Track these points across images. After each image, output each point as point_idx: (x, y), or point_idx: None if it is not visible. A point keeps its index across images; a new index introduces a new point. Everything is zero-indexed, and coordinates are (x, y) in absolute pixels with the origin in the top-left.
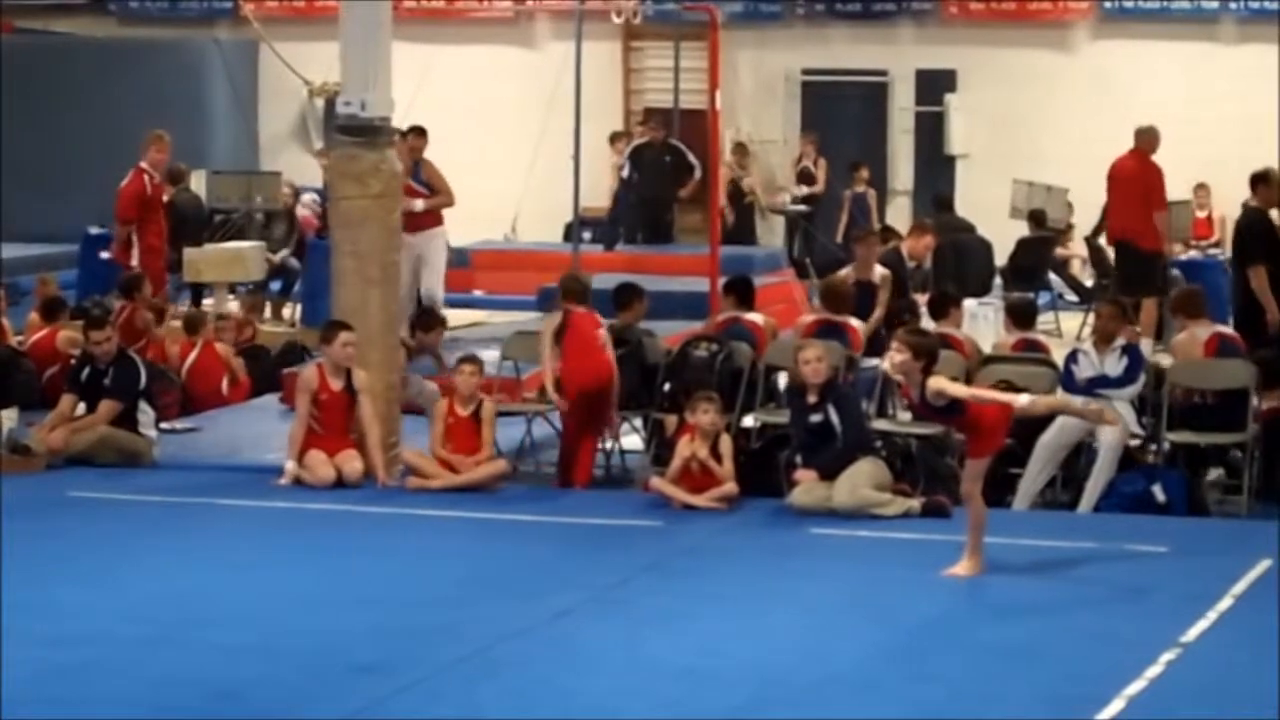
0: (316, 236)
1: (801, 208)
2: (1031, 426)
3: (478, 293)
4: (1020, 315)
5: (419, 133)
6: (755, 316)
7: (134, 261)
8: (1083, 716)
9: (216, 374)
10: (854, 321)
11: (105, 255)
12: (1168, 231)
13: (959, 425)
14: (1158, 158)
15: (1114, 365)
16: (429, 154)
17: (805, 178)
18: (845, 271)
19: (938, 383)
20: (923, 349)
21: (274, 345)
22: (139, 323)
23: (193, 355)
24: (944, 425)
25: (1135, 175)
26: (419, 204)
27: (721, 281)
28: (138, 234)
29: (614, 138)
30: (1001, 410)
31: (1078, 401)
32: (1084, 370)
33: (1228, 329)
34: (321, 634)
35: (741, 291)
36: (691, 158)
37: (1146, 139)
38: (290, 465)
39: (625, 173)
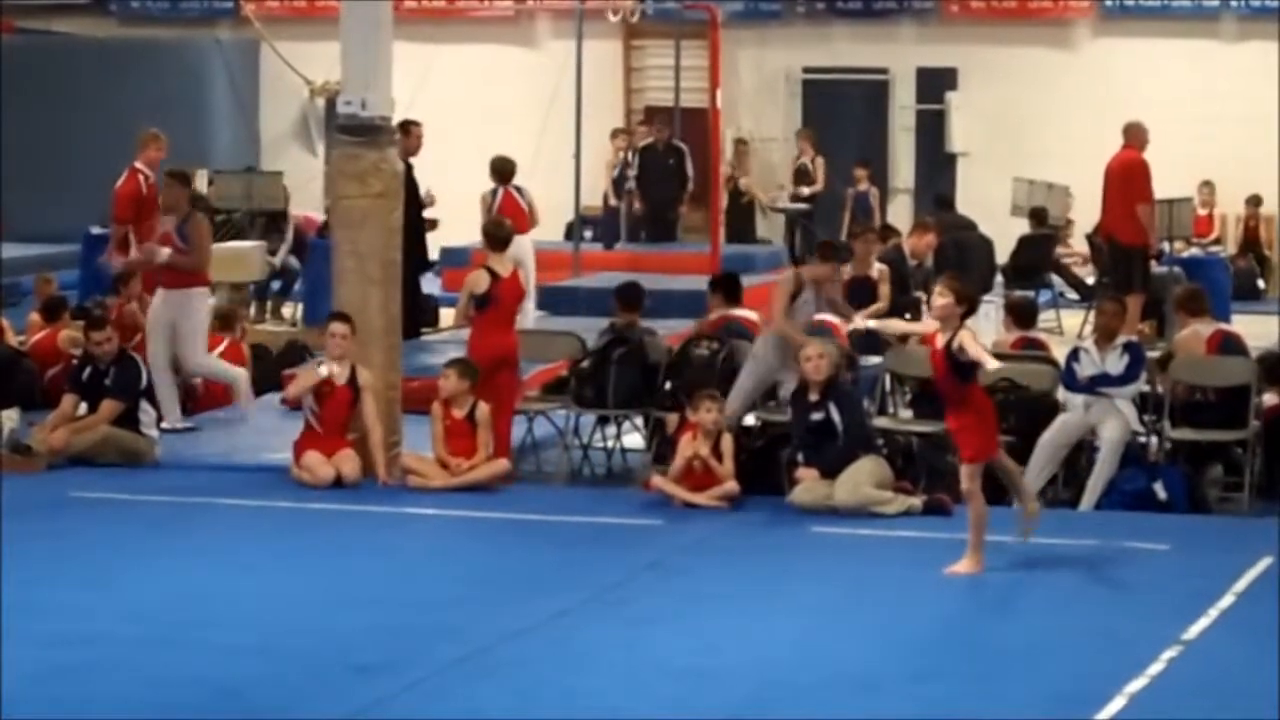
0: (317, 236)
1: (802, 206)
2: (1033, 425)
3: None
4: (1020, 314)
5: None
6: (747, 313)
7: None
8: (1084, 714)
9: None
10: (834, 318)
11: (101, 259)
12: (1153, 225)
13: (955, 421)
14: (1158, 154)
15: (1115, 363)
16: (429, 153)
17: (802, 175)
18: (844, 268)
19: (967, 337)
20: (964, 295)
21: (275, 345)
22: (126, 318)
23: (220, 348)
24: (951, 393)
25: (1119, 171)
26: (164, 254)
27: (707, 280)
28: (134, 234)
29: (614, 134)
30: (987, 420)
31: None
32: (1085, 368)
33: (1230, 326)
34: (322, 634)
35: (729, 288)
36: (689, 166)
37: (1133, 134)
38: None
39: (617, 172)
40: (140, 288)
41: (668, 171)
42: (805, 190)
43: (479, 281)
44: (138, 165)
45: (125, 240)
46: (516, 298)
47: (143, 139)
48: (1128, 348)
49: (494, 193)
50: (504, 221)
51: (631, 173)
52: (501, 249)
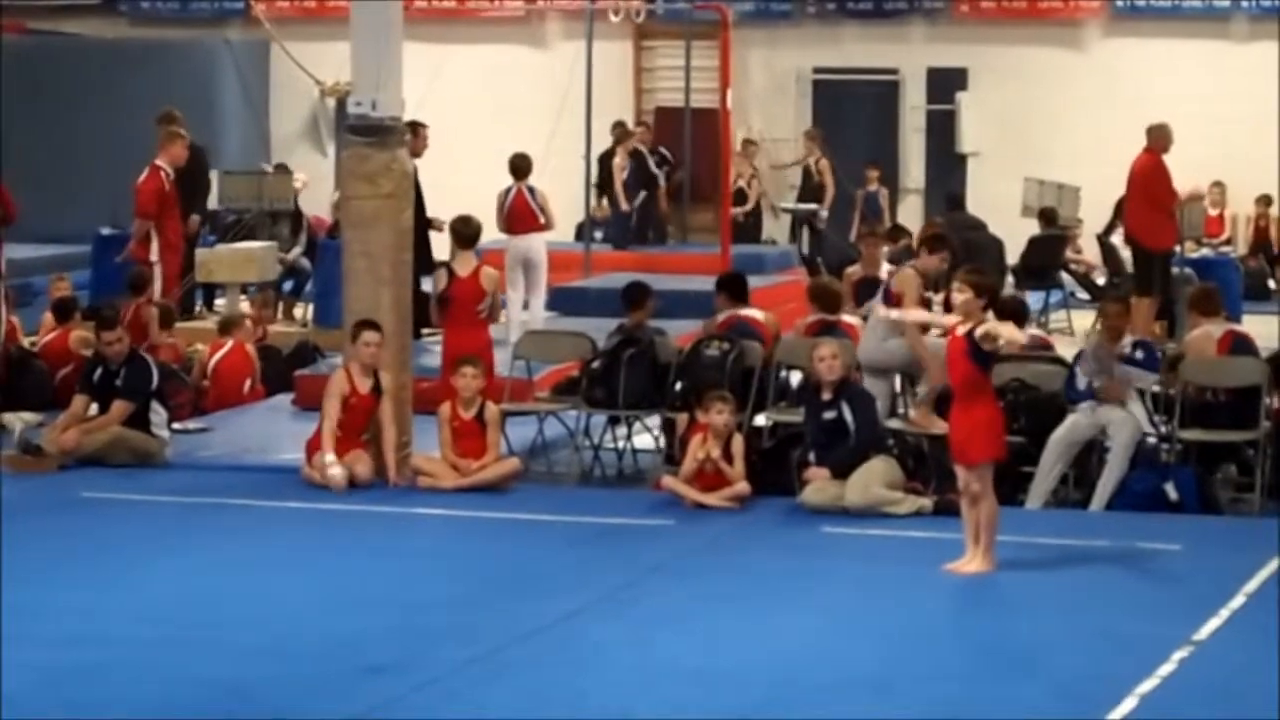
0: (328, 236)
1: (812, 206)
2: (1042, 425)
3: None
4: (1013, 315)
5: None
6: (755, 313)
7: (154, 257)
8: (1095, 714)
9: (243, 374)
10: (852, 319)
11: (120, 258)
12: (1180, 228)
13: (965, 417)
14: (1169, 154)
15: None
16: (439, 153)
17: (806, 176)
18: (853, 269)
19: (992, 328)
20: (983, 287)
21: (286, 345)
22: (144, 318)
23: (222, 352)
24: (968, 383)
25: (1140, 174)
26: None
27: (715, 280)
28: (156, 231)
29: (620, 138)
30: (998, 419)
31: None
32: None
33: (1241, 327)
34: (332, 634)
35: (734, 288)
36: (650, 165)
37: (1156, 137)
38: (337, 471)
39: (626, 174)
40: (165, 290)
41: (634, 176)
42: (793, 200)
43: (438, 280)
44: (159, 162)
45: (148, 236)
46: (474, 298)
47: (168, 135)
48: (1139, 346)
49: (507, 191)
50: (471, 219)
51: (624, 176)
52: (465, 246)
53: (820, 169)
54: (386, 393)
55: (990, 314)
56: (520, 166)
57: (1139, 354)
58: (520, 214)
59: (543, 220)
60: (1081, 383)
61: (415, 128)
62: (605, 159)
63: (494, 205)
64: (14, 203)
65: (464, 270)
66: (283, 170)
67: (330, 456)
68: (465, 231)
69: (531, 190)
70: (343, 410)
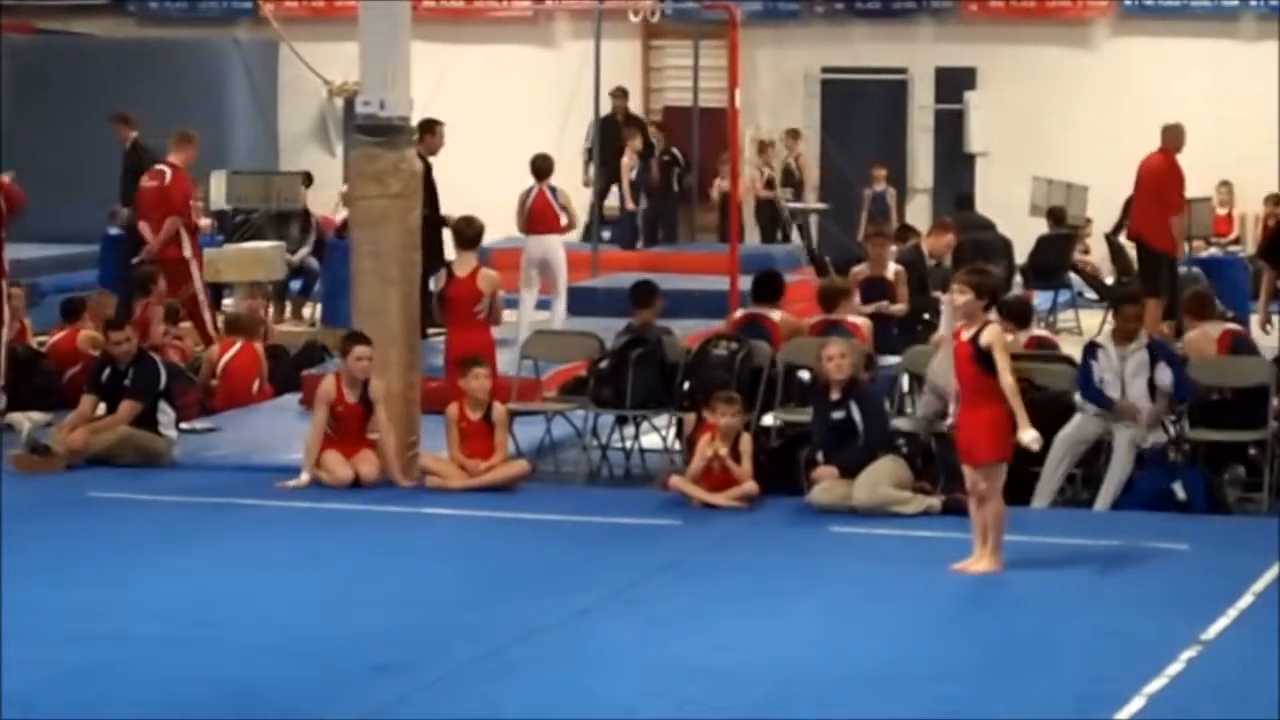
0: (336, 236)
1: (819, 205)
2: (1050, 425)
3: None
4: (1017, 316)
5: (441, 124)
6: (773, 314)
7: (187, 254)
8: (1103, 714)
9: (251, 373)
10: (858, 319)
11: (138, 259)
12: (1182, 235)
13: (972, 417)
14: (1179, 154)
15: (1138, 364)
16: (447, 152)
17: (788, 175)
18: (860, 268)
19: (996, 337)
20: (985, 288)
21: (293, 345)
22: (151, 319)
23: (231, 352)
24: (973, 385)
25: (1152, 174)
26: None
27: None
28: (184, 229)
29: (621, 106)
30: (1006, 419)
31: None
32: (1102, 366)
33: (1238, 326)
34: (340, 633)
35: (758, 287)
36: (651, 137)
37: (1169, 137)
38: (305, 476)
39: (634, 174)
40: (186, 289)
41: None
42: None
43: (438, 280)
44: (175, 161)
45: (178, 234)
46: (470, 299)
47: (182, 136)
48: (1155, 349)
49: (529, 191)
50: (474, 220)
51: (633, 176)
52: (466, 247)
53: (801, 166)
54: (378, 402)
55: (993, 314)
56: (542, 167)
57: (1166, 375)
58: (541, 214)
59: (565, 221)
60: (1097, 381)
61: (432, 126)
62: (606, 125)
63: (500, 204)
64: (20, 195)
65: (462, 271)
66: (306, 177)
67: (306, 475)
68: (467, 232)
69: (553, 190)
70: (332, 418)
